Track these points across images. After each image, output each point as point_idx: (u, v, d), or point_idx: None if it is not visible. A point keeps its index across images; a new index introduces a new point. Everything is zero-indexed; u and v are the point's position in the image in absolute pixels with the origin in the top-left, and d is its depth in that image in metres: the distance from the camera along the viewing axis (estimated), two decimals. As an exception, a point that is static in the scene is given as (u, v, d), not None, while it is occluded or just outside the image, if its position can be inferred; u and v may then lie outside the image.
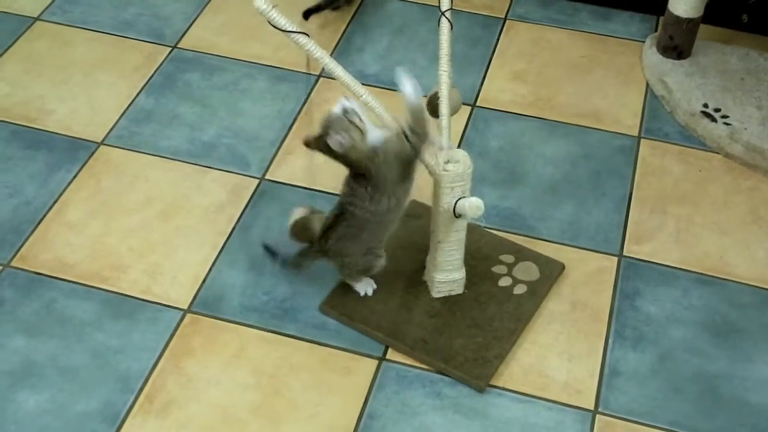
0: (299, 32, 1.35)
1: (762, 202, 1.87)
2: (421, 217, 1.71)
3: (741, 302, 1.70)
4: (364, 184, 1.49)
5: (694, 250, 1.78)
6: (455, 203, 1.50)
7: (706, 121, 1.98)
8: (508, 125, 2.02)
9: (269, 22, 1.34)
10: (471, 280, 1.67)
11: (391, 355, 1.60)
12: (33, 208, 1.83)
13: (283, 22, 1.34)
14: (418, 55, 2.18)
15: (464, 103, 2.04)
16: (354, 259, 1.59)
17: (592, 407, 1.54)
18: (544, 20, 2.29)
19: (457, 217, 1.52)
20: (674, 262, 1.76)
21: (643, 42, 2.21)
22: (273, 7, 1.33)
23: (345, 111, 1.43)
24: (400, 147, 1.46)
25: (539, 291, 1.68)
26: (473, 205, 1.47)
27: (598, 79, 2.13)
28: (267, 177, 1.90)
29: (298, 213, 1.61)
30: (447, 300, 1.66)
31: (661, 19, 2.17)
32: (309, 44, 1.36)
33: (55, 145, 1.95)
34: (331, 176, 1.87)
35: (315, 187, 1.86)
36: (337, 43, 2.21)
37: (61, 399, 1.53)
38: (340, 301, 1.66)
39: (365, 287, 1.65)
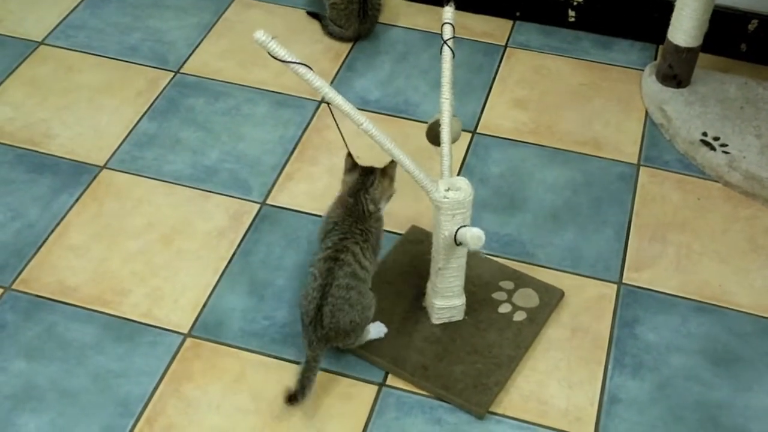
0: (299, 63, 1.36)
1: (761, 230, 1.88)
2: (422, 243, 1.72)
3: (741, 331, 1.70)
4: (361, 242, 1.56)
5: (694, 278, 1.78)
6: (456, 231, 1.51)
7: (705, 149, 1.99)
8: (509, 152, 2.03)
9: (269, 53, 1.35)
10: (471, 307, 1.67)
11: (391, 381, 1.61)
12: (35, 231, 1.83)
13: (282, 53, 1.35)
14: (419, 81, 2.20)
15: (465, 130, 2.06)
16: (354, 324, 1.55)
17: (591, 435, 1.55)
18: (544, 48, 2.30)
19: (457, 245, 1.53)
20: (673, 289, 1.76)
21: (643, 70, 2.22)
22: (272, 38, 1.34)
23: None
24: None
25: (539, 318, 1.69)
26: (474, 236, 1.46)
27: (598, 107, 2.15)
28: (268, 202, 1.91)
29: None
30: (447, 326, 1.66)
31: (661, 47, 2.19)
32: (308, 74, 1.37)
33: (59, 168, 1.96)
34: (332, 200, 1.89)
35: (317, 212, 1.87)
36: (339, 68, 2.23)
37: (61, 423, 1.53)
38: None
39: (378, 331, 1.64)
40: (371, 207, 1.60)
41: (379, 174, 1.62)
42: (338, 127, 1.55)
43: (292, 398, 1.50)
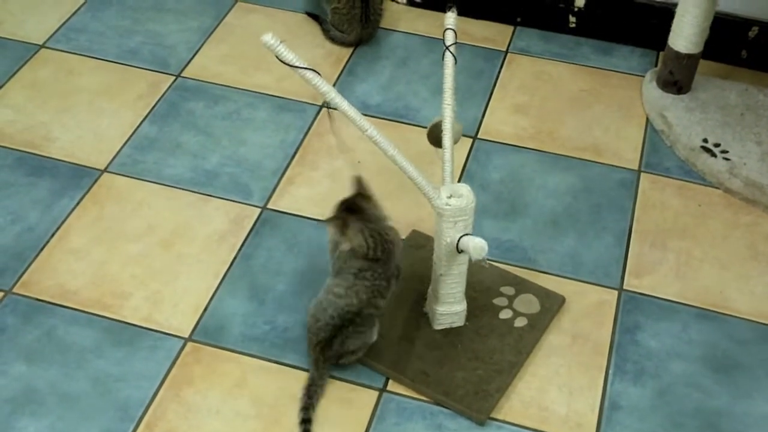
0: (307, 68, 1.36)
1: (761, 237, 1.88)
2: (423, 248, 1.72)
3: (741, 337, 1.70)
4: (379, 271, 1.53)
5: (694, 285, 1.79)
6: (459, 240, 1.51)
7: (705, 156, 2.00)
8: (510, 158, 2.03)
9: (277, 57, 1.35)
10: (472, 313, 1.67)
11: (392, 386, 1.60)
12: (36, 234, 1.83)
13: (290, 57, 1.35)
14: (420, 87, 2.20)
15: (466, 135, 2.06)
16: (364, 346, 1.58)
17: (592, 441, 1.55)
18: (545, 54, 2.31)
19: (459, 252, 1.53)
20: (674, 296, 1.77)
21: (644, 76, 2.23)
22: (281, 42, 1.34)
23: None
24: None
25: (540, 324, 1.68)
26: (477, 247, 1.45)
27: (599, 113, 2.15)
28: (269, 206, 1.91)
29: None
30: (448, 332, 1.66)
31: (662, 54, 2.19)
32: (316, 79, 1.37)
33: (59, 172, 1.96)
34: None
35: (318, 217, 1.87)
36: (340, 73, 2.23)
37: (61, 427, 1.53)
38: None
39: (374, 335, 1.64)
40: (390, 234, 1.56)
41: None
42: (335, 135, 1.54)
43: (306, 422, 1.52)
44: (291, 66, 1.35)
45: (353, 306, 1.52)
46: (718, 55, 2.25)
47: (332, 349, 1.55)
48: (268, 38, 1.33)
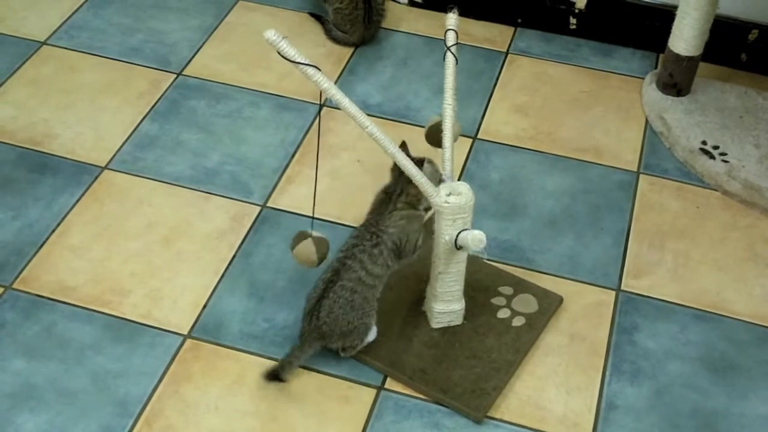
0: (309, 64, 1.36)
1: (759, 239, 1.89)
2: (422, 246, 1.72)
3: (738, 339, 1.71)
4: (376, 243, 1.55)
5: (692, 286, 1.79)
6: (457, 236, 1.52)
7: (704, 158, 2.00)
8: (509, 158, 2.04)
9: (279, 53, 1.35)
10: (470, 311, 1.68)
11: (390, 384, 1.61)
12: (36, 230, 1.84)
13: (292, 53, 1.35)
14: (420, 86, 2.20)
15: (466, 135, 2.07)
16: (351, 327, 1.56)
17: (589, 441, 1.55)
18: (545, 55, 2.31)
19: (458, 249, 1.53)
20: (672, 297, 1.77)
21: (643, 79, 2.23)
22: (283, 38, 1.34)
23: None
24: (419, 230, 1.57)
25: (537, 323, 1.69)
26: (475, 238, 1.48)
27: (599, 115, 2.16)
28: (269, 204, 1.91)
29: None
30: (446, 331, 1.67)
31: (661, 56, 2.20)
32: (317, 76, 1.37)
33: (60, 169, 1.96)
34: (335, 204, 1.89)
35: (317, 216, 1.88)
36: (341, 72, 2.23)
37: (60, 422, 1.53)
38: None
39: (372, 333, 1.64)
40: (399, 205, 1.57)
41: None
42: (318, 137, 1.54)
43: (271, 376, 1.55)
44: (292, 62, 1.36)
45: (340, 258, 1.55)
46: (718, 58, 2.26)
47: (319, 319, 1.54)
48: (271, 34, 1.34)
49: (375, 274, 1.56)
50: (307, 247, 1.53)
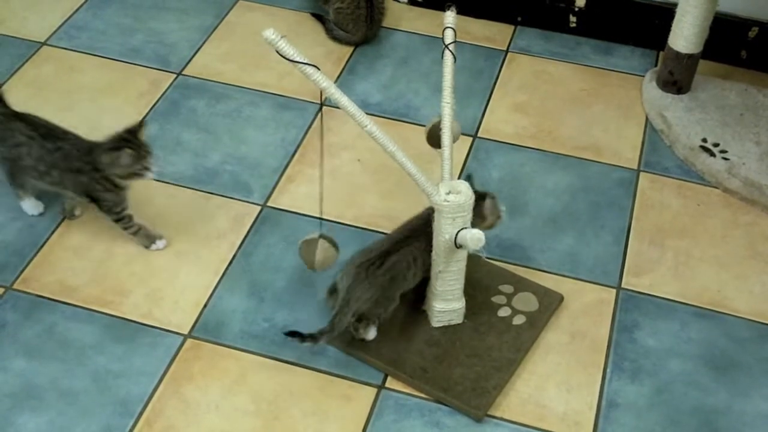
0: (307, 63, 1.36)
1: (760, 237, 1.88)
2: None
3: (739, 336, 1.70)
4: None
5: (693, 284, 1.79)
6: (456, 234, 1.52)
7: (704, 155, 2.00)
8: (509, 156, 2.04)
9: (277, 52, 1.35)
10: (470, 310, 1.68)
11: (391, 383, 1.61)
12: (37, 231, 1.84)
13: (291, 52, 1.35)
14: (420, 85, 2.20)
15: (466, 134, 2.07)
16: (388, 295, 1.60)
17: (589, 439, 1.55)
18: (545, 53, 2.31)
19: (457, 248, 1.53)
20: (673, 295, 1.77)
21: (643, 76, 2.23)
22: (281, 37, 1.34)
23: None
24: None
25: (538, 322, 1.69)
26: (474, 237, 1.47)
27: (599, 113, 2.15)
28: (269, 204, 1.91)
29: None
30: (446, 329, 1.67)
31: (662, 54, 2.20)
32: (316, 75, 1.37)
33: (60, 169, 1.96)
34: (335, 203, 1.89)
35: (317, 215, 1.88)
36: (341, 72, 2.23)
37: (60, 422, 1.54)
38: (341, 328, 1.67)
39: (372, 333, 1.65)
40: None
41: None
42: (321, 137, 1.54)
43: (302, 337, 1.56)
44: (291, 61, 1.36)
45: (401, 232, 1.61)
46: (718, 56, 2.25)
47: (381, 268, 1.56)
48: (269, 33, 1.34)
49: (408, 277, 1.60)
50: (320, 251, 1.57)
